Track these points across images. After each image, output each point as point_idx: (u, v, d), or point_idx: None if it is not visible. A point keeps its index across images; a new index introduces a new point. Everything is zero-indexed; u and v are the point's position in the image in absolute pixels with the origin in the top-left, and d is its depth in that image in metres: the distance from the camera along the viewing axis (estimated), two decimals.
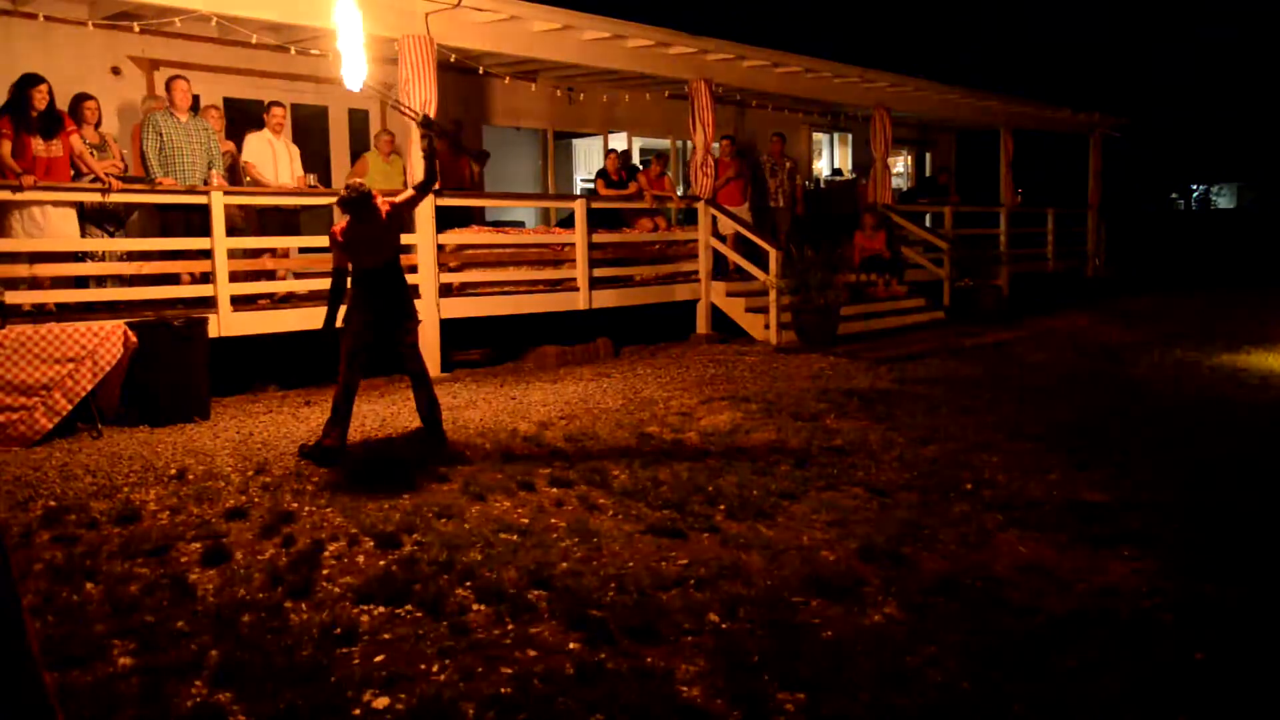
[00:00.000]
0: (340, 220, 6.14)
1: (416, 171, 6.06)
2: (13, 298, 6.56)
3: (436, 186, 5.95)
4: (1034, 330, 11.61)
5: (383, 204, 5.82)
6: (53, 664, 2.97)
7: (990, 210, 15.76)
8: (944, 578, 3.87)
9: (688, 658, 3.21)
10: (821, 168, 17.24)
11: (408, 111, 7.01)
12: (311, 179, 8.95)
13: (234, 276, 7.66)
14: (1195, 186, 36.78)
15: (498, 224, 11.28)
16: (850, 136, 17.40)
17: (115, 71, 9.22)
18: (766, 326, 10.47)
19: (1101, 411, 7.00)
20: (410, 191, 6.06)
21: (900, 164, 18.23)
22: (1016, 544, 4.28)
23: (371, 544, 4.23)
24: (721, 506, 4.75)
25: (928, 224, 14.75)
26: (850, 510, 4.75)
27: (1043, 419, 6.70)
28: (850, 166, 17.48)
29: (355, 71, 5.36)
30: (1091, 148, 17.80)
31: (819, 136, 17.10)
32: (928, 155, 18.91)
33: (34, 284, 7.09)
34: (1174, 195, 34.60)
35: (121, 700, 2.91)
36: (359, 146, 10.82)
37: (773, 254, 10.46)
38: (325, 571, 3.94)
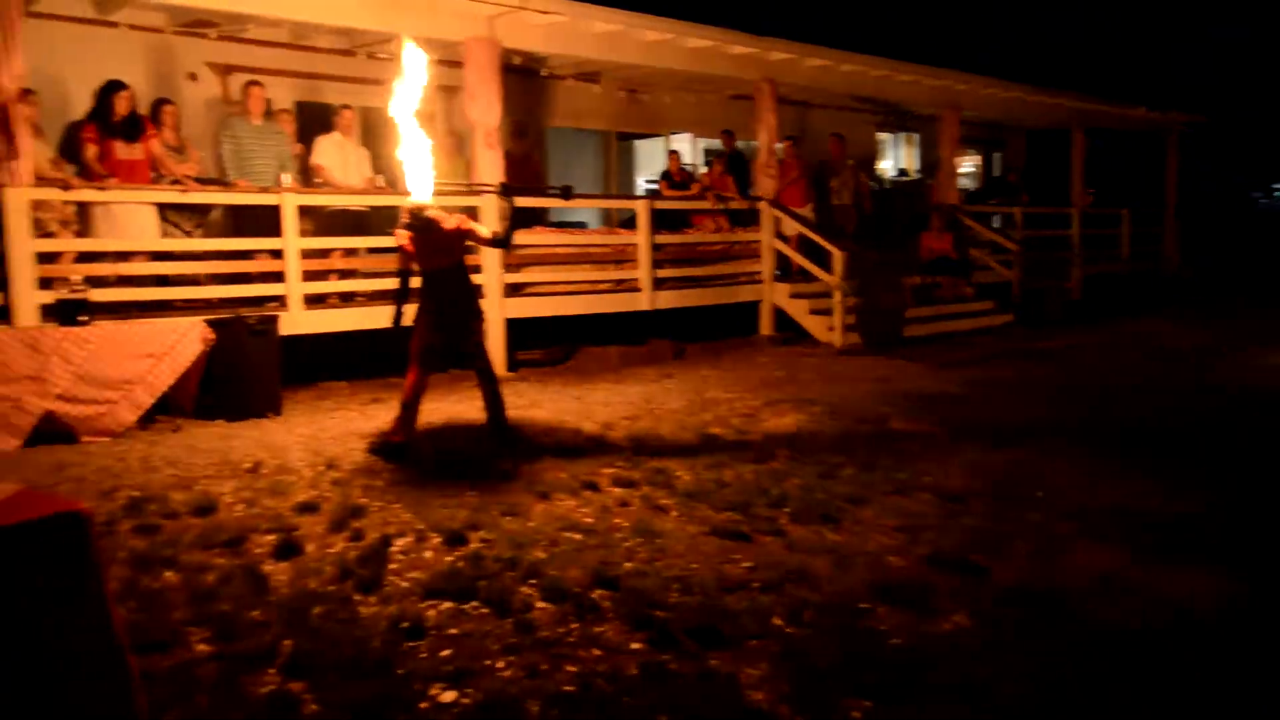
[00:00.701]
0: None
1: (493, 222, 6.23)
2: (98, 295, 6.77)
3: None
4: (1107, 334, 11.33)
5: (457, 220, 5.85)
6: (135, 648, 3.05)
7: (1061, 211, 15.42)
8: (1015, 587, 3.79)
9: (752, 662, 3.19)
10: (887, 168, 17.04)
11: (485, 188, 7.11)
12: (380, 180, 9.11)
13: (304, 276, 7.82)
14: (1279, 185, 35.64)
15: (561, 225, 11.36)
16: (916, 136, 17.17)
17: (192, 77, 9.48)
18: (830, 328, 10.39)
19: (1178, 418, 6.80)
20: (486, 234, 6.05)
21: (968, 164, 17.94)
22: (1089, 553, 4.17)
23: (438, 540, 4.28)
24: (786, 510, 4.71)
25: (996, 225, 14.50)
26: (918, 516, 4.68)
27: (1116, 425, 6.54)
28: (916, 167, 17.25)
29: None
30: (1168, 146, 17.33)
31: (884, 136, 16.91)
32: (996, 155, 18.58)
33: (116, 282, 7.31)
34: (1256, 195, 33.50)
35: (199, 686, 2.99)
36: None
37: (837, 255, 10.38)
38: (393, 566, 3.99)
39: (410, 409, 5.83)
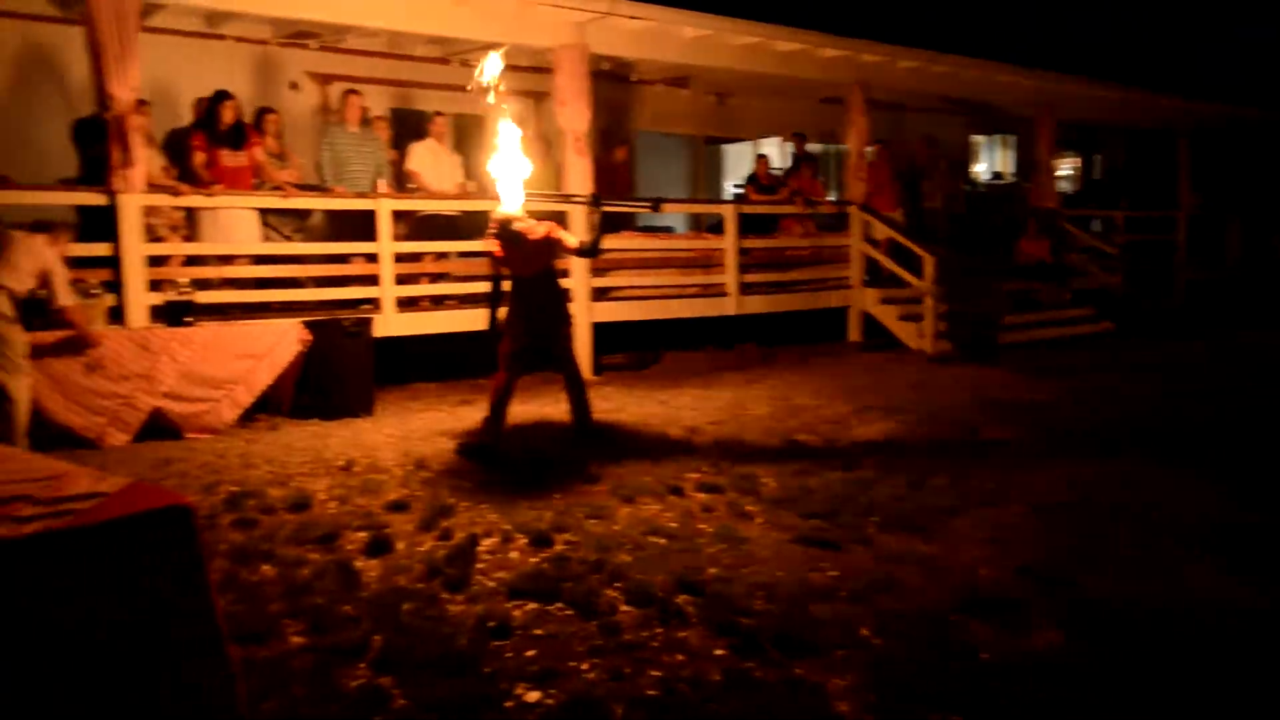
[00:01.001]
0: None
1: (582, 232, 6.32)
2: (202, 297, 7.04)
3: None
4: (1211, 344, 10.86)
5: (547, 229, 5.91)
6: (235, 638, 3.16)
7: (1166, 215, 14.85)
8: (1111, 603, 3.66)
9: (839, 672, 3.14)
10: (981, 171, 16.66)
11: (576, 199, 7.19)
12: (472, 185, 9.26)
13: (397, 279, 8.00)
14: None
15: (648, 230, 11.39)
16: (1011, 139, 16.75)
17: (294, 86, 9.81)
18: (921, 335, 10.20)
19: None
20: (574, 243, 6.06)
21: (1066, 167, 17.43)
22: (1190, 570, 4.01)
23: (524, 541, 4.33)
24: (874, 518, 4.64)
25: (1096, 229, 14.04)
26: (1010, 527, 4.55)
27: (1219, 437, 6.26)
28: (1011, 170, 16.82)
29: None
30: None
31: (978, 139, 16.53)
32: (1096, 157, 18.00)
33: (220, 284, 7.60)
34: None
35: (294, 677, 3.08)
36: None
37: (928, 260, 10.18)
38: (480, 566, 4.05)
39: (498, 411, 5.92)
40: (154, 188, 7.08)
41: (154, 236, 7.25)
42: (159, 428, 6.44)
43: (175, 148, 7.93)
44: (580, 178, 8.78)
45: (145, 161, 6.91)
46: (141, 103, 7.07)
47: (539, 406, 7.39)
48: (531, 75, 10.91)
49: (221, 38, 9.20)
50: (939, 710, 2.90)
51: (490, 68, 5.68)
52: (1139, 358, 9.82)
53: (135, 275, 6.77)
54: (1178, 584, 3.86)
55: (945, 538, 4.42)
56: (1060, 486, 5.22)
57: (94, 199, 6.81)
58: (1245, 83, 19.01)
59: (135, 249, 6.79)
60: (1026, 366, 9.12)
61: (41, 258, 5.60)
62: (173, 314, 6.65)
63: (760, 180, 11.39)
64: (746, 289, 10.03)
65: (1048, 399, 7.60)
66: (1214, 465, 5.59)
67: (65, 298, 5.77)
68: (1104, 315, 12.03)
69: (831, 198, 12.38)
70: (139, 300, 6.77)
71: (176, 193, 7.23)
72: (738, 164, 14.68)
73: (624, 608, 3.63)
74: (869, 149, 11.48)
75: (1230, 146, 17.18)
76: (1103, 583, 3.87)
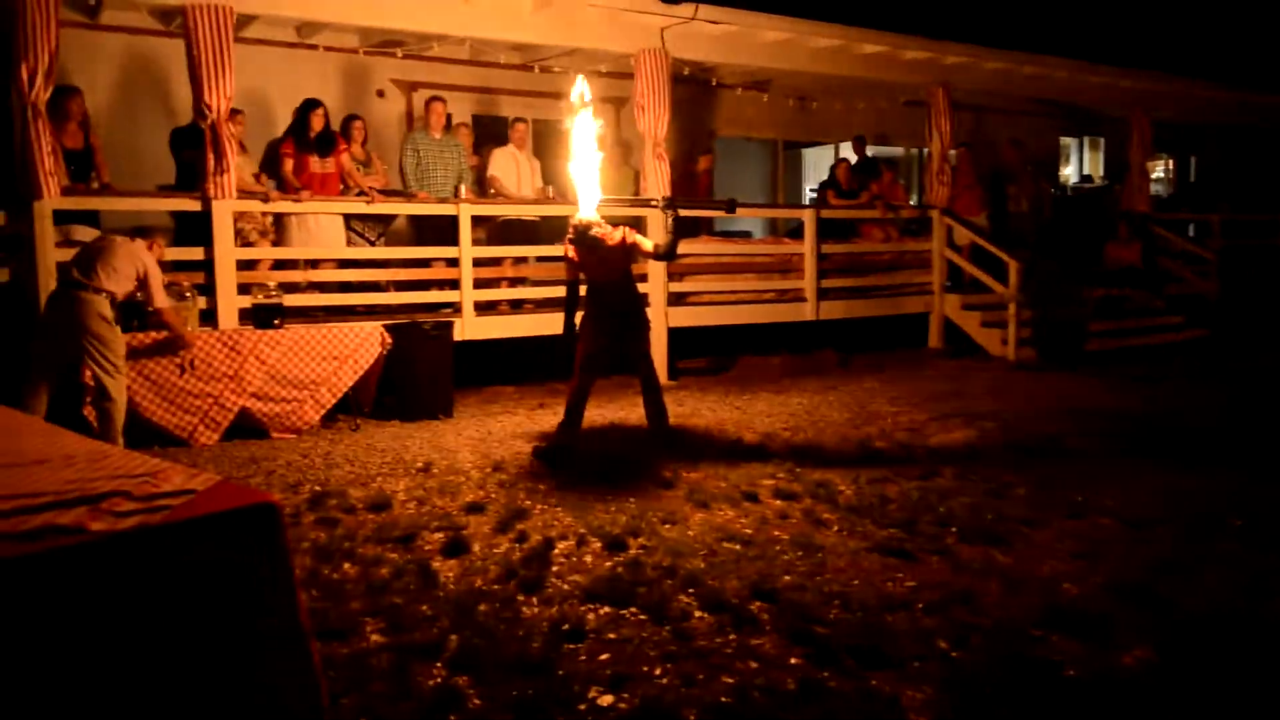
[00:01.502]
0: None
1: (659, 236, 6.31)
2: (289, 300, 7.24)
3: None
4: None
5: (623, 234, 5.93)
6: (316, 634, 3.24)
7: (1268, 219, 14.25)
8: (1206, 621, 3.52)
9: (915, 684, 3.08)
10: (1069, 174, 16.21)
11: (653, 204, 7.22)
12: (550, 190, 9.36)
13: (477, 284, 8.12)
14: None
15: (725, 234, 11.36)
16: (1101, 140, 16.25)
17: (379, 94, 10.04)
18: (1004, 342, 9.97)
19: None
20: (649, 248, 6.08)
21: (1159, 169, 16.85)
22: None
23: (599, 545, 4.35)
24: (953, 529, 4.55)
25: (1191, 234, 13.54)
26: (1097, 541, 4.41)
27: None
28: (1101, 172, 16.33)
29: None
30: None
31: (1066, 141, 16.09)
32: (1192, 159, 17.36)
33: (306, 288, 7.81)
34: None
35: (372, 674, 3.14)
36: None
37: (1012, 265, 9.96)
38: (555, 568, 4.09)
39: (574, 414, 5.96)
40: (245, 194, 7.31)
41: (244, 241, 7.50)
42: (246, 427, 6.65)
43: (268, 156, 8.19)
44: (659, 182, 8.79)
45: (238, 169, 7.15)
46: (235, 112, 7.32)
47: (614, 410, 7.43)
48: (611, 80, 10.99)
49: (312, 47, 9.46)
50: None
51: (579, 91, 5.77)
52: (1232, 367, 9.44)
53: (226, 279, 7.00)
54: (1275, 601, 3.70)
55: (1027, 549, 4.31)
56: (1148, 498, 5.04)
57: (189, 205, 7.07)
58: None
59: (227, 253, 7.03)
60: (1114, 375, 8.85)
61: (140, 262, 5.83)
62: (261, 317, 6.86)
63: (840, 184, 11.26)
64: (824, 294, 9.92)
65: (1135, 408, 7.36)
66: None
67: (161, 300, 6.00)
68: (1199, 323, 11.59)
69: (913, 202, 12.18)
70: (229, 303, 7.00)
71: (267, 198, 7.46)
72: (818, 168, 14.55)
73: (698, 614, 3.62)
74: (952, 152, 11.26)
75: None
76: (1197, 599, 3.73)
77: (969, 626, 3.47)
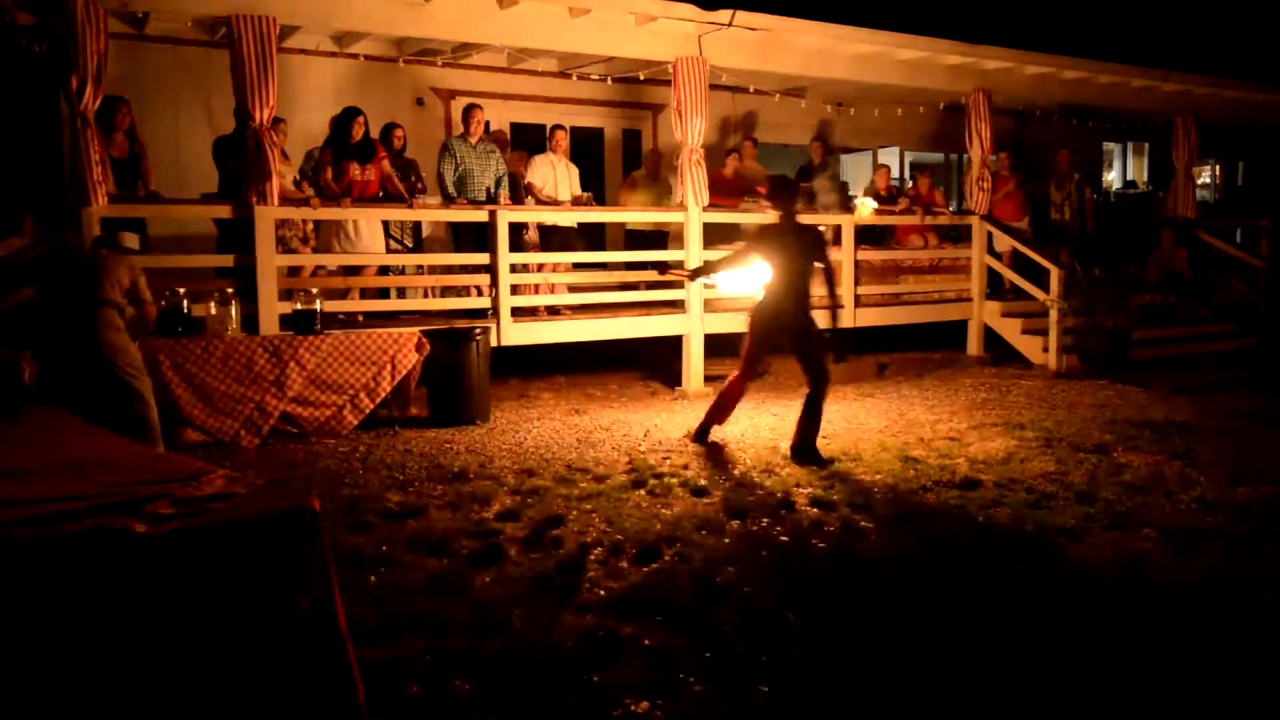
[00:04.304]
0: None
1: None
2: (329, 306, 7.32)
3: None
4: None
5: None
6: (353, 638, 3.27)
7: None
8: (1256, 638, 3.45)
9: (944, 709, 3.05)
10: (1113, 180, 15.97)
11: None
12: (586, 196, 9.38)
13: (514, 290, 8.14)
14: None
15: None
16: (1146, 145, 15.99)
17: (419, 102, 10.13)
18: (1045, 349, 9.84)
19: None
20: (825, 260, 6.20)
21: (1206, 174, 16.55)
22: None
23: (634, 552, 4.34)
24: (993, 540, 4.49)
25: (1239, 240, 13.27)
26: (1140, 554, 4.34)
27: None
28: (1146, 178, 16.07)
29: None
30: None
31: (1109, 146, 15.85)
32: (1240, 164, 17.03)
33: (345, 294, 7.89)
34: None
35: (407, 679, 3.15)
36: (631, 166, 11.24)
37: (1054, 272, 9.82)
38: (590, 575, 4.09)
39: (721, 405, 6.35)
40: (287, 201, 7.40)
41: (287, 248, 7.59)
42: (286, 431, 6.72)
43: (309, 163, 8.30)
44: (697, 189, 8.78)
45: (279, 176, 7.24)
46: (277, 120, 7.42)
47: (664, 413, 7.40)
48: (648, 87, 11.01)
49: (352, 57, 9.58)
50: None
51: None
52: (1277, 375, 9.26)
53: (268, 284, 7.08)
54: None
55: (1069, 561, 4.24)
56: (1199, 512, 4.95)
57: (232, 212, 7.17)
58: None
59: (269, 260, 7.11)
60: (1158, 383, 8.69)
61: (132, 269, 5.91)
62: (301, 322, 6.93)
63: (879, 191, 11.18)
64: (861, 301, 9.85)
65: (1185, 419, 7.22)
66: None
67: (149, 298, 6.03)
68: (1247, 331, 11.36)
69: (952, 208, 12.06)
70: (270, 308, 7.08)
71: (309, 205, 7.55)
72: (856, 174, 14.45)
73: (733, 622, 3.60)
74: (993, 158, 11.13)
75: None
76: (1246, 617, 3.65)
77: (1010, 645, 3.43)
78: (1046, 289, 9.90)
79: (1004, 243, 10.68)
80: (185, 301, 6.73)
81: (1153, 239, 11.93)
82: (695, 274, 7.03)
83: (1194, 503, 5.10)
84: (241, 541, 2.35)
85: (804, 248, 6.11)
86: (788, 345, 6.24)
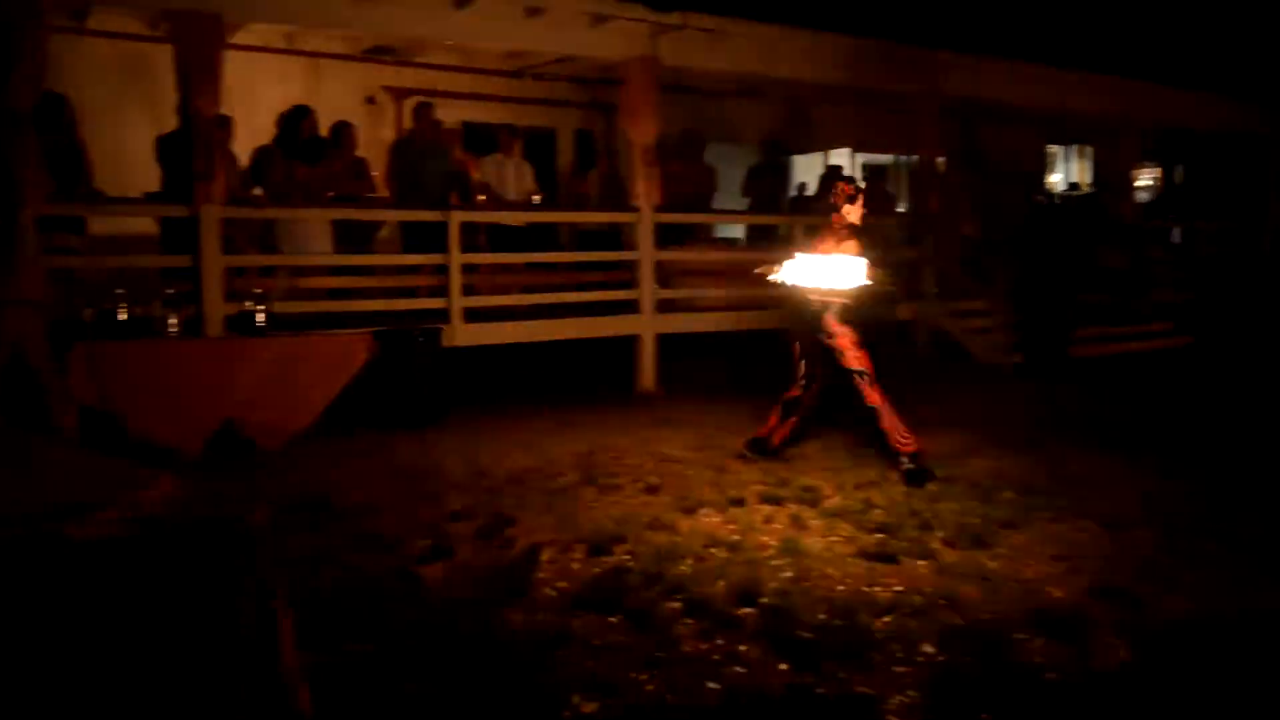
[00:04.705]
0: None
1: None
2: (276, 308, 7.21)
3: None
4: None
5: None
6: (299, 643, 3.24)
7: (1253, 227, 14.35)
8: (1187, 623, 3.55)
9: (899, 688, 3.10)
10: (1056, 182, 16.29)
11: None
12: (537, 199, 9.36)
13: (466, 291, 8.07)
14: None
15: (715, 241, 11.37)
16: (1089, 149, 16.35)
17: (370, 100, 10.04)
18: (991, 347, 10.01)
19: None
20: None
21: (1146, 177, 16.93)
22: (1269, 588, 3.87)
23: (584, 551, 4.36)
24: (938, 533, 4.58)
25: (1177, 241, 13.62)
26: (1080, 544, 4.45)
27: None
28: (1089, 180, 16.42)
29: None
30: None
31: (1054, 149, 16.17)
32: (1178, 168, 17.45)
33: (293, 296, 7.79)
34: None
35: (355, 681, 3.14)
36: (584, 166, 11.24)
37: (999, 273, 10.00)
38: (541, 575, 4.09)
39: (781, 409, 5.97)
40: (233, 201, 7.30)
41: (232, 249, 7.47)
42: (232, 435, 6.61)
43: (257, 163, 8.17)
44: (649, 189, 8.81)
45: (225, 175, 7.14)
46: (223, 118, 7.31)
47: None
48: (602, 88, 11.01)
49: (301, 54, 9.47)
50: None
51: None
52: (1220, 373, 9.50)
53: (213, 286, 6.97)
54: (1254, 602, 3.73)
55: (1011, 554, 4.34)
56: (1136, 503, 5.08)
57: (177, 211, 7.05)
58: None
59: (214, 260, 7.00)
60: (1098, 380, 8.89)
61: None
62: (247, 324, 6.84)
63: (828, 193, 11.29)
64: None
65: (1123, 414, 7.40)
66: None
67: None
68: (1184, 329, 11.66)
69: (902, 209, 12.22)
70: (216, 310, 6.97)
71: (255, 205, 7.45)
72: (807, 175, 14.56)
73: (684, 620, 3.63)
74: (940, 159, 11.31)
75: None
76: (1177, 602, 3.76)
77: (953, 630, 3.51)
78: (993, 288, 10.08)
79: (952, 243, 10.85)
80: (128, 303, 6.60)
81: (1095, 240, 12.19)
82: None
83: (1132, 494, 5.23)
84: (178, 548, 2.32)
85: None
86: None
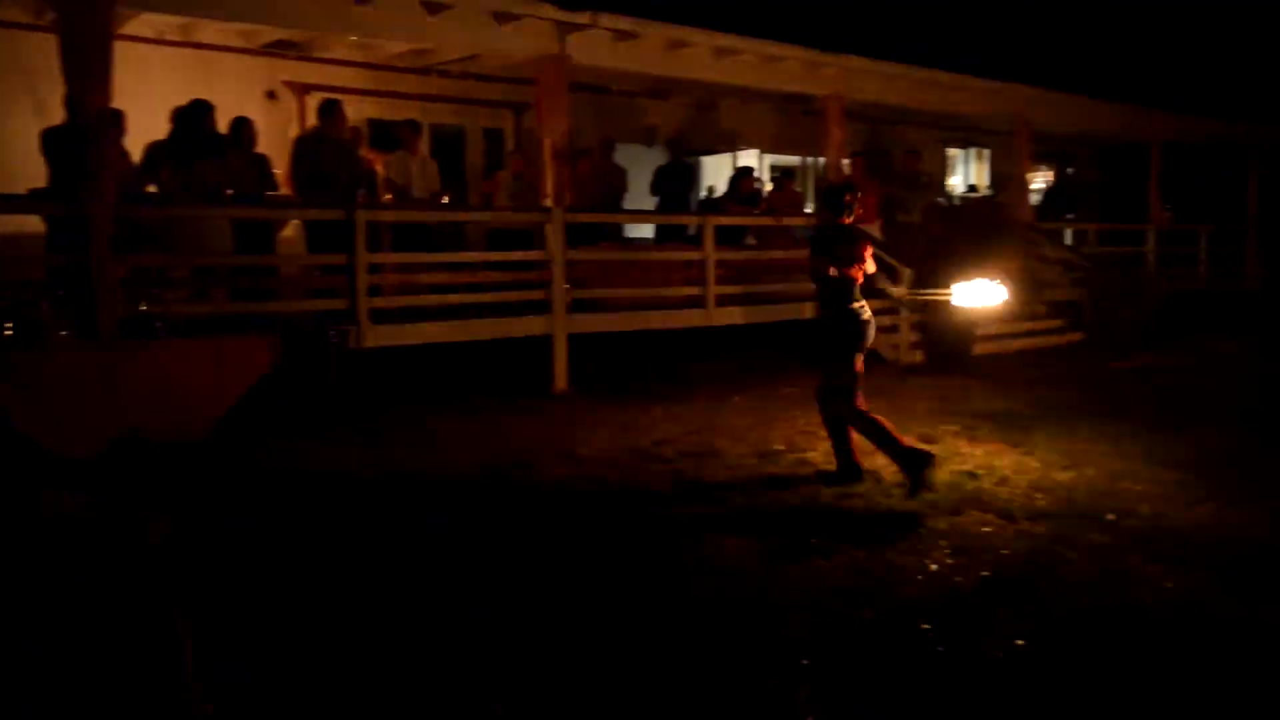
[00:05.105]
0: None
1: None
2: (175, 310, 6.98)
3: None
4: (1181, 354, 11.01)
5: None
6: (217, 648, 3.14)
7: (1137, 228, 15.05)
8: (1081, 611, 3.70)
9: (808, 681, 3.16)
10: (956, 184, 16.81)
11: None
12: (445, 198, 9.24)
13: (372, 291, 7.91)
14: None
15: (626, 241, 11.40)
16: (987, 152, 16.92)
17: (270, 96, 9.78)
18: (895, 346, 10.26)
19: (1257, 441, 6.58)
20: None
21: (1040, 179, 17.61)
22: (1162, 580, 4.06)
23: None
24: (843, 529, 4.68)
25: (1069, 241, 14.19)
26: (980, 537, 4.60)
27: (1190, 447, 6.34)
28: (987, 182, 16.99)
29: None
30: (1250, 161, 16.78)
31: (954, 152, 16.69)
32: (1069, 170, 18.20)
33: (192, 297, 7.54)
34: None
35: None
36: (493, 164, 11.15)
37: (904, 272, 10.25)
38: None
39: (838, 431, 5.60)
40: (127, 199, 7.01)
41: (125, 248, 7.18)
42: (128, 443, 6.35)
43: (152, 158, 7.87)
44: (559, 188, 8.77)
45: (118, 171, 6.86)
46: (115, 112, 7.02)
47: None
48: (511, 86, 10.93)
49: (198, 46, 9.16)
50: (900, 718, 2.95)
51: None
52: (1110, 368, 9.95)
53: (106, 287, 6.69)
54: (1149, 592, 3.90)
55: (915, 546, 4.45)
56: (1033, 495, 5.28)
57: (65, 209, 6.75)
58: (1217, 95, 19.26)
59: (107, 260, 6.71)
60: (997, 376, 9.20)
61: None
62: (143, 327, 6.59)
63: (741, 193, 11.44)
64: (724, 301, 10.05)
65: (1021, 409, 7.67)
66: (1191, 472, 5.67)
67: None
68: (1076, 326, 12.15)
69: (809, 210, 12.44)
70: (109, 313, 6.69)
71: (150, 202, 7.18)
72: (715, 176, 14.71)
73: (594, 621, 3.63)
74: (846, 161, 11.55)
75: (1201, 159, 17.43)
76: (1073, 591, 3.92)
77: (861, 622, 3.58)
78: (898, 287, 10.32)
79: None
80: (14, 307, 6.30)
81: (993, 240, 12.60)
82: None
83: (1029, 487, 5.43)
84: (80, 560, 2.23)
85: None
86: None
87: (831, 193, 5.83)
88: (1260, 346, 11.55)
